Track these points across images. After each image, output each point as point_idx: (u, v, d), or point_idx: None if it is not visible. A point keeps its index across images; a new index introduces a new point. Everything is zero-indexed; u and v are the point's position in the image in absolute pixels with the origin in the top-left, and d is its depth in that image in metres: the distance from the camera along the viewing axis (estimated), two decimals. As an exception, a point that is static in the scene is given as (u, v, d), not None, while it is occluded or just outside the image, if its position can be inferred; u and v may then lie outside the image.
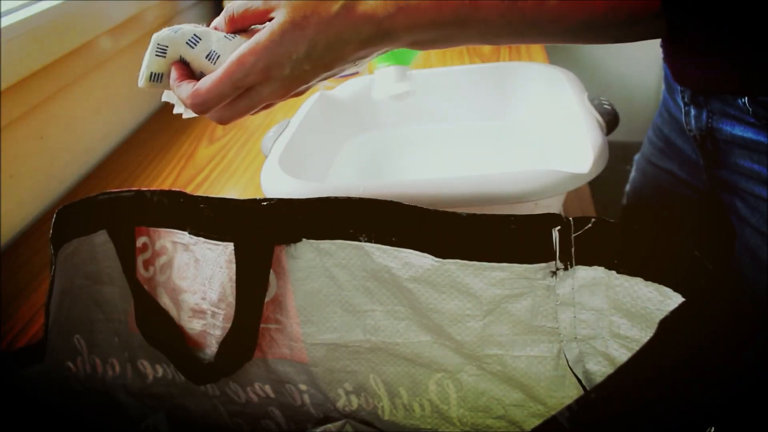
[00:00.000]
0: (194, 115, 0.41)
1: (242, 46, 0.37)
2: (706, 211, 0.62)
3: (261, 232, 0.37)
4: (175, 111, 0.43)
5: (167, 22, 1.12)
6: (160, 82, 0.42)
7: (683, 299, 0.29)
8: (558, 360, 0.35)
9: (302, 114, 0.61)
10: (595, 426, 0.22)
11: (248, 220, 0.37)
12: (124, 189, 0.41)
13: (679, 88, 0.56)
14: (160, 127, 0.97)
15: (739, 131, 0.51)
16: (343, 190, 0.46)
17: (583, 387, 0.35)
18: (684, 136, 0.61)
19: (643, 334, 0.32)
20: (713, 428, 0.24)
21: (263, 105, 0.40)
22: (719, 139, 0.53)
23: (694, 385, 0.23)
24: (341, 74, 0.41)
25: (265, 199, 0.37)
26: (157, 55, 0.41)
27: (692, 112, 0.55)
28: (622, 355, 0.33)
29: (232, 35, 0.41)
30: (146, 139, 0.94)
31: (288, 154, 0.54)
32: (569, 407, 0.22)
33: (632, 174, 0.78)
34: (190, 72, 0.41)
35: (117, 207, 0.41)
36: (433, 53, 1.11)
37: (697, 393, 0.23)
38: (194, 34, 0.41)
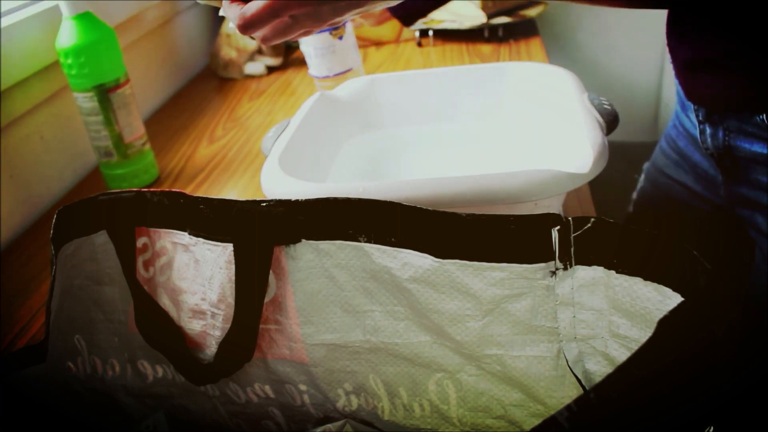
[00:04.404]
0: None
1: None
2: (722, 225, 0.62)
3: (260, 232, 0.37)
4: (228, 27, 0.49)
5: (167, 22, 1.12)
6: None
7: (683, 299, 0.29)
8: (558, 360, 0.35)
9: (302, 114, 0.61)
10: (594, 426, 0.22)
11: (248, 221, 0.37)
12: (124, 189, 0.41)
13: (693, 106, 0.56)
14: (160, 128, 0.97)
15: (759, 148, 0.51)
16: (343, 191, 0.46)
17: (583, 387, 0.35)
18: (701, 151, 0.61)
19: (642, 334, 0.32)
20: (712, 428, 0.24)
21: (302, 31, 0.45)
22: (738, 157, 0.53)
23: (694, 385, 0.23)
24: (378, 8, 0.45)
25: (264, 200, 0.37)
26: None
27: (708, 130, 0.55)
28: (622, 355, 0.33)
29: None
30: (146, 139, 0.94)
31: (288, 154, 0.54)
32: (569, 407, 0.22)
33: (641, 183, 0.77)
34: None
35: (117, 207, 0.41)
36: (434, 53, 1.11)
37: (696, 393, 0.23)
38: None
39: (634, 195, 0.79)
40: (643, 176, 0.77)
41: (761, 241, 0.55)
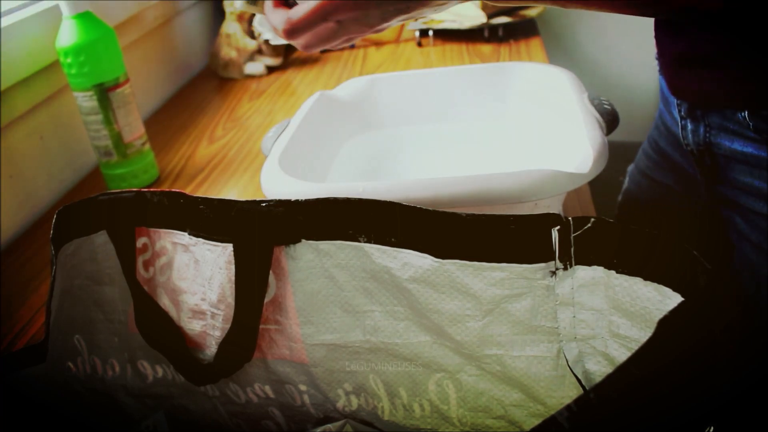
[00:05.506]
0: (282, 42, 0.46)
1: None
2: (704, 226, 0.61)
3: (260, 233, 0.37)
4: (263, 37, 0.49)
5: (167, 22, 1.12)
6: (255, 4, 0.47)
7: (682, 299, 0.29)
8: (557, 360, 0.35)
9: (302, 114, 0.61)
10: (594, 426, 0.22)
11: (247, 221, 0.37)
12: (124, 189, 0.41)
13: (675, 101, 0.56)
14: (160, 128, 0.97)
15: (739, 146, 0.50)
16: (343, 191, 0.46)
17: (583, 387, 0.35)
18: (681, 150, 0.61)
19: (642, 334, 0.32)
20: (712, 428, 0.24)
21: (346, 38, 0.44)
22: (718, 155, 0.53)
23: (694, 385, 0.23)
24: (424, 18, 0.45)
25: (264, 200, 0.37)
26: None
27: (689, 126, 0.54)
28: (622, 355, 0.33)
29: None
30: (146, 139, 0.94)
31: (288, 154, 0.54)
32: (568, 407, 0.22)
33: (625, 185, 0.77)
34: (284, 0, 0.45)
35: (117, 207, 0.41)
36: (434, 53, 1.11)
37: (696, 393, 0.23)
38: None
39: (619, 197, 0.79)
40: (627, 178, 0.77)
41: (740, 242, 0.54)
